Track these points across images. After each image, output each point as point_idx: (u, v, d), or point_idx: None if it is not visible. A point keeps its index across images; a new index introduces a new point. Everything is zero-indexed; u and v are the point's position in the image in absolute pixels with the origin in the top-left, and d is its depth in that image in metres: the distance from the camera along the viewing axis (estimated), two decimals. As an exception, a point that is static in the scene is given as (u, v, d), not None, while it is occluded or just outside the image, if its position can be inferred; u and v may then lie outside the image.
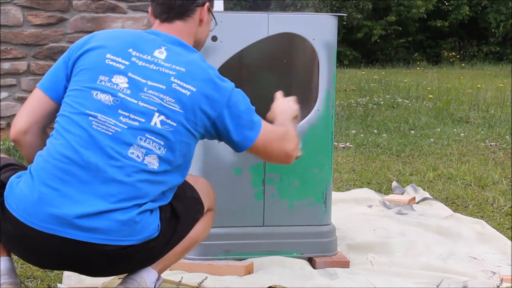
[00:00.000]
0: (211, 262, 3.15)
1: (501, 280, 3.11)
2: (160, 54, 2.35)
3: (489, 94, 9.83)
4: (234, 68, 3.48)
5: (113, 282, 2.78)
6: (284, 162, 2.54)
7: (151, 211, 2.26)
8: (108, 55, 2.32)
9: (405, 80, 11.66)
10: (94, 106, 2.25)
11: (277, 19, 3.17)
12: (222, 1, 6.54)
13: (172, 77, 2.30)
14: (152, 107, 2.27)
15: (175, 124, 2.28)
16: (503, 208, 4.28)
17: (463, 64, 17.19)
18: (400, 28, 18.46)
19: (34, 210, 2.17)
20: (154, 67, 2.32)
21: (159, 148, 2.26)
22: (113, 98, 2.26)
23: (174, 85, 2.29)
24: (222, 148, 3.16)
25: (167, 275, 2.99)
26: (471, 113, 8.15)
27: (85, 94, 2.27)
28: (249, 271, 3.14)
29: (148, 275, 2.38)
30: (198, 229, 2.49)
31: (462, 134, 6.78)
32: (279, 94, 2.83)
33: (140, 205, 2.23)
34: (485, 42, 18.84)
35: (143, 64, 2.32)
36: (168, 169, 2.29)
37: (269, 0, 17.53)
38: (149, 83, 2.29)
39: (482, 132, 6.97)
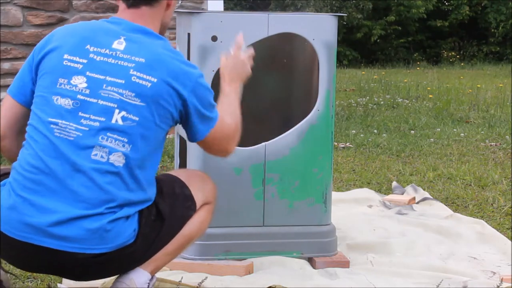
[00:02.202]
0: (211, 262, 3.15)
1: (501, 280, 3.11)
2: (119, 45, 2.30)
3: (489, 94, 9.83)
4: (234, 68, 3.48)
5: (113, 282, 2.78)
6: (221, 156, 2.59)
7: (127, 217, 2.24)
8: (65, 56, 2.29)
9: (405, 80, 11.66)
10: (55, 112, 2.24)
11: (277, 19, 3.17)
12: (222, 1, 6.54)
13: (131, 70, 2.26)
14: (112, 104, 2.24)
15: (137, 119, 2.25)
16: (503, 208, 4.28)
17: (463, 64, 17.19)
18: (400, 28, 18.45)
19: (9, 219, 2.19)
20: (113, 61, 2.28)
21: (123, 145, 2.23)
22: (72, 101, 2.24)
23: (134, 78, 2.25)
24: (222, 148, 3.16)
25: (167, 275, 2.99)
26: (471, 113, 8.14)
27: (47, 101, 2.26)
28: (249, 271, 3.14)
29: (138, 276, 2.35)
30: (193, 226, 2.45)
31: (462, 134, 6.78)
32: (240, 41, 2.75)
33: (111, 208, 2.20)
34: (485, 42, 18.82)
35: (102, 59, 2.28)
36: (137, 165, 2.25)
37: (269, 0, 17.53)
38: (108, 78, 2.25)
39: (482, 132, 6.97)
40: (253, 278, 3.04)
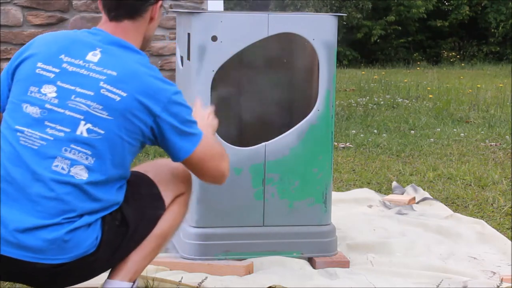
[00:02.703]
0: (211, 262, 3.15)
1: (501, 280, 3.11)
2: (94, 56, 2.28)
3: (489, 94, 9.83)
4: (234, 68, 3.48)
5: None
6: (217, 182, 2.46)
7: (88, 225, 2.21)
8: (38, 64, 2.28)
9: (405, 80, 11.66)
10: (23, 120, 2.23)
11: (277, 19, 3.17)
12: (222, 1, 6.54)
13: (102, 82, 2.24)
14: (78, 115, 2.22)
15: (103, 132, 2.22)
16: (503, 208, 4.28)
17: (463, 64, 17.19)
18: (400, 28, 18.45)
19: None
20: (85, 72, 2.26)
21: (86, 158, 2.21)
22: (40, 110, 2.23)
23: (103, 91, 2.23)
24: (222, 148, 3.16)
25: (167, 275, 2.99)
26: (471, 113, 8.14)
27: (17, 108, 2.26)
28: (249, 271, 3.14)
29: None
30: (166, 224, 2.42)
31: (462, 134, 6.78)
32: (198, 102, 2.70)
33: (70, 218, 2.18)
34: (485, 42, 18.83)
35: (74, 69, 2.27)
36: (101, 179, 2.23)
37: (269, 0, 17.53)
38: (78, 89, 2.24)
39: (482, 132, 6.97)
40: (253, 278, 3.04)
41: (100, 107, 2.23)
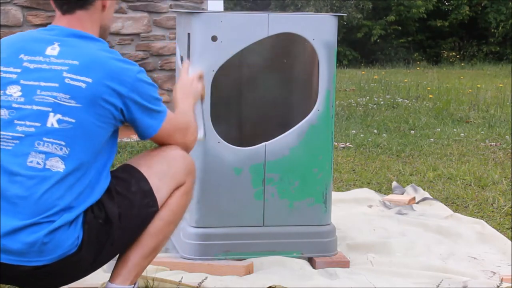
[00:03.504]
0: (211, 262, 3.15)
1: (501, 280, 3.11)
2: (53, 50, 2.30)
3: (489, 94, 9.83)
4: (234, 68, 3.48)
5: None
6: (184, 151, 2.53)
7: (69, 224, 2.20)
8: (0, 68, 2.30)
9: (405, 80, 11.66)
10: None
11: (277, 19, 3.17)
12: (222, 1, 6.54)
13: (65, 72, 2.26)
14: (46, 108, 2.23)
15: (73, 121, 2.23)
16: (503, 208, 4.28)
17: (463, 64, 17.19)
18: (400, 28, 18.46)
19: None
20: (47, 66, 2.27)
21: (61, 149, 2.21)
22: (8, 111, 2.24)
23: (67, 80, 2.25)
24: (222, 148, 3.16)
25: (167, 275, 2.99)
26: (471, 113, 8.15)
27: None
28: (249, 271, 3.14)
29: None
30: (163, 220, 2.41)
31: (462, 134, 6.78)
32: (185, 65, 2.76)
33: (49, 217, 2.17)
34: (485, 42, 18.83)
35: (36, 66, 2.28)
36: (78, 168, 2.23)
37: (269, 0, 17.53)
38: (42, 84, 2.25)
39: (482, 132, 6.97)
40: (253, 278, 3.04)
41: (67, 96, 2.24)
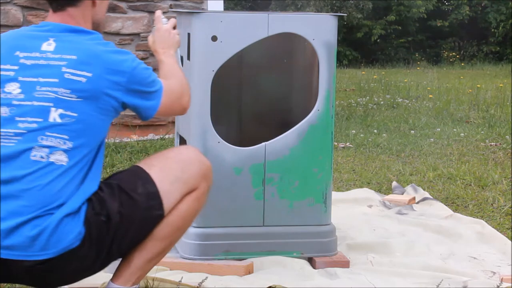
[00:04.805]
0: (211, 262, 3.15)
1: (501, 280, 3.11)
2: (49, 46, 2.32)
3: (489, 94, 9.83)
4: (234, 68, 3.48)
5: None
6: (180, 114, 2.59)
7: (72, 216, 2.20)
8: None
9: (405, 80, 11.66)
10: None
11: (277, 19, 3.17)
12: (222, 1, 6.54)
13: (64, 67, 2.27)
14: (47, 103, 2.24)
15: (76, 115, 2.25)
16: (503, 208, 4.28)
17: (463, 64, 17.19)
18: (400, 28, 18.46)
19: None
20: (44, 62, 2.29)
21: (64, 143, 2.23)
22: (9, 108, 2.25)
23: (67, 75, 2.26)
24: (222, 148, 3.17)
25: (167, 275, 2.99)
26: (471, 113, 8.15)
27: None
28: (249, 271, 3.14)
29: None
30: (171, 225, 2.40)
31: (462, 134, 6.78)
32: (158, 14, 2.76)
33: (52, 209, 2.18)
34: (485, 42, 18.83)
35: (33, 62, 2.29)
36: (79, 159, 2.25)
37: (269, 0, 17.52)
38: (41, 80, 2.26)
39: (482, 132, 6.97)
40: (253, 278, 3.04)
41: (68, 91, 2.26)
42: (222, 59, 3.13)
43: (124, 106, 2.36)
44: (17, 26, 5.90)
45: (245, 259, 3.21)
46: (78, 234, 2.22)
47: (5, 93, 2.27)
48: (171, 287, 2.88)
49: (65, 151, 2.23)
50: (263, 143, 3.21)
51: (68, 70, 2.27)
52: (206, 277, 2.96)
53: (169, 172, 2.40)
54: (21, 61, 2.30)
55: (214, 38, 3.11)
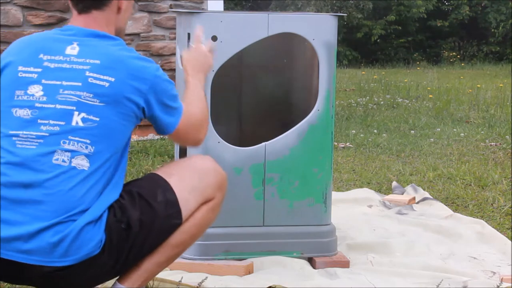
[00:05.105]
0: (211, 262, 3.15)
1: (501, 280, 3.11)
2: (72, 50, 2.31)
3: (489, 94, 9.83)
4: (234, 68, 3.48)
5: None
6: (193, 146, 2.60)
7: (94, 223, 2.19)
8: (20, 68, 2.30)
9: (405, 80, 11.66)
10: (15, 124, 2.23)
11: (277, 19, 3.17)
12: (222, 1, 6.54)
13: (87, 72, 2.26)
14: (70, 107, 2.23)
15: (98, 119, 2.24)
16: (503, 208, 4.28)
17: (463, 64, 17.19)
18: (400, 28, 18.45)
19: None
20: (68, 66, 2.28)
21: (86, 147, 2.22)
22: (31, 110, 2.24)
23: (91, 79, 2.26)
24: (222, 148, 3.16)
25: (167, 275, 2.99)
26: (471, 113, 8.15)
27: (6, 115, 2.26)
28: (249, 271, 3.14)
29: None
30: (186, 233, 2.39)
31: (462, 134, 6.78)
32: (199, 34, 2.73)
33: (73, 215, 2.17)
34: (485, 42, 18.82)
35: (56, 65, 2.28)
36: (100, 164, 2.23)
37: (269, 0, 17.53)
38: (64, 83, 2.26)
39: (482, 132, 6.97)
40: (253, 278, 3.04)
41: (91, 95, 2.25)
42: (222, 59, 3.13)
43: (145, 112, 2.35)
44: (17, 26, 5.91)
45: (245, 259, 3.21)
46: (99, 241, 2.21)
47: (27, 95, 2.26)
48: (171, 287, 2.88)
49: (86, 155, 2.22)
50: (263, 143, 3.21)
51: (91, 74, 2.27)
52: (206, 277, 2.96)
53: (188, 181, 2.40)
54: (45, 64, 2.30)
55: (214, 38, 3.11)
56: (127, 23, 2.54)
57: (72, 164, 2.20)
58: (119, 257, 2.28)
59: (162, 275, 2.97)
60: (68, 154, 2.20)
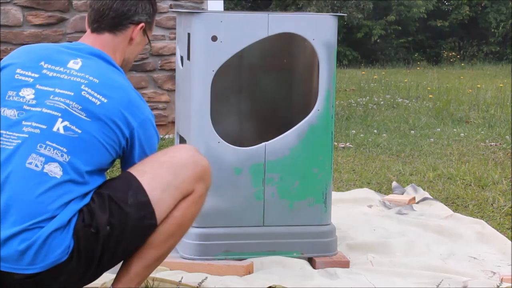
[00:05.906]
0: (211, 262, 3.15)
1: (501, 280, 3.11)
2: (75, 64, 2.32)
3: (489, 94, 9.83)
4: (234, 68, 3.48)
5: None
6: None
7: (61, 230, 2.17)
8: (17, 70, 2.31)
9: (405, 80, 11.66)
10: (1, 124, 2.23)
11: (277, 19, 3.17)
12: (222, 1, 6.54)
13: (83, 85, 2.26)
14: (55, 113, 2.23)
15: (80, 131, 2.22)
16: (503, 208, 4.28)
17: (463, 64, 17.19)
18: (400, 28, 18.46)
19: None
20: (66, 77, 2.29)
21: (62, 155, 2.20)
22: (18, 112, 2.24)
23: (84, 93, 2.25)
24: (222, 148, 3.16)
25: (167, 275, 2.99)
26: (471, 113, 8.15)
27: None
28: (249, 271, 3.14)
29: None
30: (165, 233, 2.36)
31: (462, 134, 6.78)
32: None
33: (40, 223, 2.15)
34: (485, 42, 18.83)
35: (54, 74, 2.29)
36: (74, 178, 2.21)
37: (269, 0, 17.53)
38: (57, 90, 2.26)
39: (482, 132, 6.97)
40: (253, 278, 3.04)
41: (79, 107, 2.25)
42: (222, 59, 3.13)
43: (127, 145, 2.32)
44: (17, 26, 5.91)
45: (245, 259, 3.21)
46: (66, 247, 2.19)
47: (18, 96, 2.27)
48: (171, 287, 2.88)
49: (60, 164, 2.20)
50: (263, 143, 3.21)
51: (86, 89, 2.27)
52: (206, 277, 2.96)
53: (161, 179, 2.33)
54: (44, 71, 2.31)
55: (214, 38, 3.11)
56: (135, 58, 2.53)
57: (44, 170, 2.18)
58: (90, 262, 2.24)
59: (162, 275, 2.97)
60: (42, 159, 2.19)
